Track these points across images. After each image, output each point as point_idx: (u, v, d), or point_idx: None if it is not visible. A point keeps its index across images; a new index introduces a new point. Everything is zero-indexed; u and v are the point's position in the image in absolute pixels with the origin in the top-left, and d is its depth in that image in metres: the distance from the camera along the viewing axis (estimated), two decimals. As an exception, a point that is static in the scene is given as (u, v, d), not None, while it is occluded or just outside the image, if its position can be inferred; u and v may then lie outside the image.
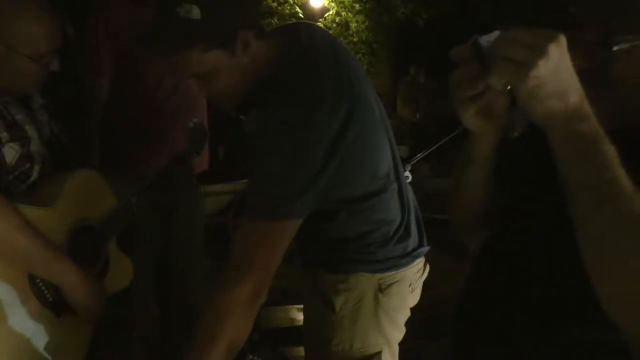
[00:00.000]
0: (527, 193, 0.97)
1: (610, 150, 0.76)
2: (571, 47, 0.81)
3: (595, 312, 0.79)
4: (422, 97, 10.21)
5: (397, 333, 1.48)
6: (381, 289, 1.41)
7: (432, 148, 2.82)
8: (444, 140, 2.78)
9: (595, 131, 0.77)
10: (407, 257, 1.45)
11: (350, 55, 1.47)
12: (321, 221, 1.34)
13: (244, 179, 4.26)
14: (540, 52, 0.74)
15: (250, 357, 2.70)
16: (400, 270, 1.43)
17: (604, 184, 0.75)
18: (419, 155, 2.83)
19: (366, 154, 1.34)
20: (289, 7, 8.23)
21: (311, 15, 8.41)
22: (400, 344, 1.52)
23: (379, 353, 1.43)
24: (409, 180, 2.64)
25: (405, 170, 2.73)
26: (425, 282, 1.57)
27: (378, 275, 1.40)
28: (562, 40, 0.76)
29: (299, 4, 8.42)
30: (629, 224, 0.74)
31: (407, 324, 1.53)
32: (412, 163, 2.70)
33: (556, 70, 0.75)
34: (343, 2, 9.05)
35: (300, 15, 8.16)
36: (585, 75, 0.84)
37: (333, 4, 8.91)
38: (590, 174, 0.77)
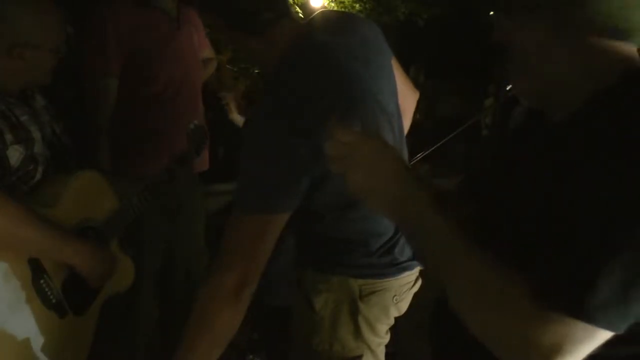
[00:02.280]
0: (486, 205, 0.99)
1: (437, 222, 0.87)
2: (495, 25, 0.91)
3: None
4: (422, 97, 10.18)
5: (379, 339, 1.46)
6: (361, 296, 1.39)
7: (432, 148, 2.82)
8: (444, 140, 2.78)
9: (422, 209, 0.88)
10: (393, 268, 1.43)
11: (383, 57, 1.45)
12: (308, 220, 1.34)
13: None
14: (350, 167, 0.90)
15: (251, 357, 2.71)
16: (385, 279, 1.42)
17: (439, 255, 0.88)
18: (419, 155, 2.83)
19: None
20: (289, 7, 8.22)
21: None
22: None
23: (360, 357, 1.42)
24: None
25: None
26: (423, 283, 1.56)
27: (360, 281, 1.39)
28: (367, 148, 0.90)
29: (299, 3, 8.42)
30: (462, 284, 0.86)
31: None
32: (412, 163, 2.69)
33: (371, 175, 0.89)
34: (343, 2, 9.04)
35: (301, 15, 8.17)
36: (507, 51, 0.92)
37: (333, 4, 8.90)
38: (425, 246, 0.90)
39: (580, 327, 0.75)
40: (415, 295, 1.56)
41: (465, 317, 0.85)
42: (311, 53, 1.33)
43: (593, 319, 0.75)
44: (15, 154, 1.49)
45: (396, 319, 1.52)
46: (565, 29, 0.86)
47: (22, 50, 1.50)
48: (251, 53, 1.40)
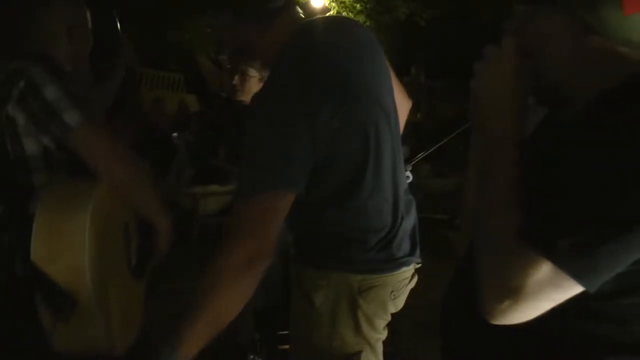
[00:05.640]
0: None
1: (504, 153, 0.92)
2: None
3: (581, 304, 0.82)
4: (423, 97, 10.19)
5: (377, 335, 1.47)
6: (360, 291, 1.40)
7: (433, 148, 2.82)
8: (444, 140, 2.77)
9: (502, 137, 0.93)
10: (392, 263, 1.43)
11: (378, 57, 1.49)
12: (306, 216, 1.36)
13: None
14: (481, 76, 0.95)
15: (252, 357, 2.71)
16: (383, 275, 1.42)
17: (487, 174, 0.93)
18: (420, 155, 2.83)
19: (346, 160, 1.35)
20: (289, 7, 8.24)
21: (312, 16, 8.43)
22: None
23: (359, 353, 1.43)
24: (409, 180, 2.64)
25: (405, 170, 2.73)
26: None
27: (359, 277, 1.39)
28: (500, 70, 0.93)
29: (300, 4, 8.44)
30: (481, 207, 0.92)
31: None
32: (412, 163, 2.69)
33: (489, 90, 0.95)
34: (344, 2, 9.08)
35: (301, 15, 8.18)
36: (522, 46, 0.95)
37: (334, 4, 8.94)
38: (482, 162, 0.95)
39: (548, 267, 0.80)
40: (415, 294, 1.57)
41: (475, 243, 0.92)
42: (312, 46, 1.36)
43: (559, 260, 0.79)
44: None
45: (395, 318, 1.53)
46: (579, 28, 0.87)
47: (77, 30, 1.61)
48: (253, 47, 1.43)
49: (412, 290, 1.55)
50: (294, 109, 1.25)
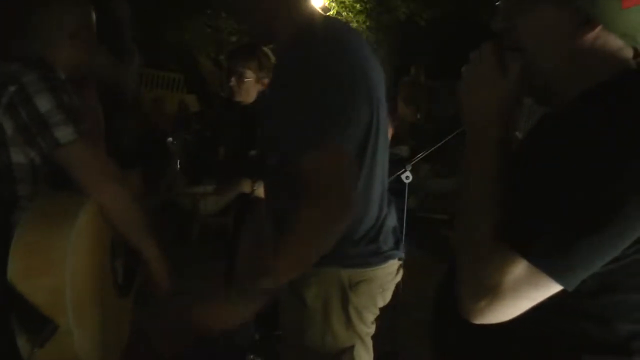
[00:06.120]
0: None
1: (483, 154, 0.94)
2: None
3: (571, 303, 0.83)
4: (423, 97, 10.17)
5: (367, 329, 1.49)
6: (350, 285, 1.42)
7: (433, 148, 2.82)
8: (444, 140, 2.77)
9: (485, 136, 0.95)
10: (379, 256, 1.45)
11: (376, 63, 1.52)
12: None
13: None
14: (468, 77, 0.98)
15: (251, 357, 2.71)
16: (371, 268, 1.44)
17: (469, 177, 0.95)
18: (420, 155, 2.83)
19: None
20: (289, 7, 8.24)
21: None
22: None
23: (352, 347, 1.44)
24: (409, 180, 2.65)
25: (405, 170, 2.74)
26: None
27: (349, 271, 1.41)
28: (487, 69, 0.94)
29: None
30: (462, 207, 0.92)
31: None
32: (412, 163, 2.70)
33: (470, 89, 0.97)
34: (344, 2, 9.07)
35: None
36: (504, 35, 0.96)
37: (334, 4, 8.93)
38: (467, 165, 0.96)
39: (524, 265, 0.80)
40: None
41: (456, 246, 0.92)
42: (326, 30, 1.40)
43: (535, 258, 0.79)
44: None
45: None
46: (574, 21, 0.86)
47: (81, 32, 1.54)
48: (269, 22, 1.43)
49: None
50: (353, 73, 1.31)
